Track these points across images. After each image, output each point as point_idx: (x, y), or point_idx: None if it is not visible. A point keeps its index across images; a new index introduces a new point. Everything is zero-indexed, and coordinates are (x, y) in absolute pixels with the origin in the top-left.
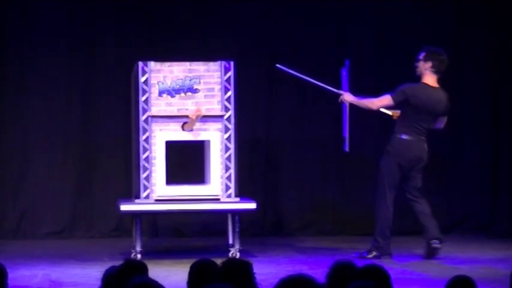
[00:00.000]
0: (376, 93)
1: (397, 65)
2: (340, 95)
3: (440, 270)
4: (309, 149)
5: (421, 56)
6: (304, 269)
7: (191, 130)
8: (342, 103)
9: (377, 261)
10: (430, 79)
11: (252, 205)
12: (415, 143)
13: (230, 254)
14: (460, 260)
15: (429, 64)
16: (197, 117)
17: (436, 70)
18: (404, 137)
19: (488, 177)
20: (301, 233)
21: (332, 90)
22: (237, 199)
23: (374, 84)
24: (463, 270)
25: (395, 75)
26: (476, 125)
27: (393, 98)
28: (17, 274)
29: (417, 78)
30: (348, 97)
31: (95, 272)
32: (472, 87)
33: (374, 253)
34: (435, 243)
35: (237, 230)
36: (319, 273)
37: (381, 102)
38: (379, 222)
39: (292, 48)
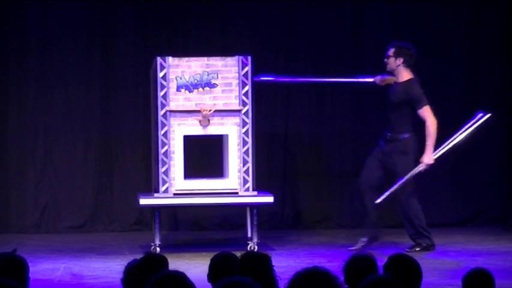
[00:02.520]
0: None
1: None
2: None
3: (458, 262)
4: (326, 143)
5: (391, 52)
6: (323, 262)
7: (207, 125)
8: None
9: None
10: (407, 74)
11: (270, 198)
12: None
13: (249, 247)
14: (477, 252)
15: (401, 60)
16: (205, 116)
17: (407, 65)
18: (412, 134)
19: (504, 170)
20: (319, 226)
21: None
22: (255, 193)
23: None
24: (480, 262)
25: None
26: (492, 118)
27: (427, 102)
28: (38, 268)
29: (388, 74)
30: (428, 159)
31: (115, 266)
32: (488, 80)
33: (423, 245)
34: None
35: (255, 223)
36: (337, 266)
37: (431, 116)
38: (417, 219)
39: (309, 41)
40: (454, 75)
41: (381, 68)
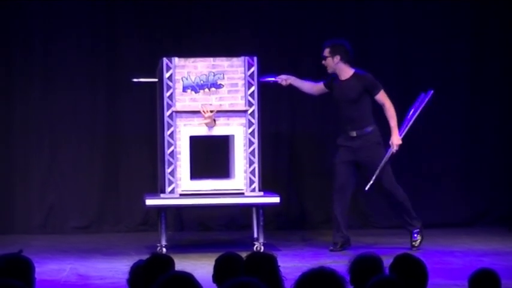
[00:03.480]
0: (397, 87)
1: (418, 58)
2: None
3: (464, 262)
4: (332, 143)
5: (327, 53)
6: (329, 262)
7: (213, 126)
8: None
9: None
10: (349, 69)
11: (276, 199)
12: None
13: (254, 248)
14: (483, 252)
15: (338, 57)
16: (208, 118)
17: (346, 60)
18: (375, 124)
19: (510, 171)
20: (325, 227)
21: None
22: (261, 193)
23: (395, 78)
24: (487, 262)
25: (416, 68)
26: (497, 118)
27: (381, 87)
28: (44, 268)
29: (329, 75)
30: (397, 140)
31: (121, 266)
32: (492, 80)
33: (420, 236)
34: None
35: (261, 223)
36: (343, 266)
37: (388, 99)
38: (406, 201)
39: (314, 41)
40: (458, 75)
41: (385, 69)
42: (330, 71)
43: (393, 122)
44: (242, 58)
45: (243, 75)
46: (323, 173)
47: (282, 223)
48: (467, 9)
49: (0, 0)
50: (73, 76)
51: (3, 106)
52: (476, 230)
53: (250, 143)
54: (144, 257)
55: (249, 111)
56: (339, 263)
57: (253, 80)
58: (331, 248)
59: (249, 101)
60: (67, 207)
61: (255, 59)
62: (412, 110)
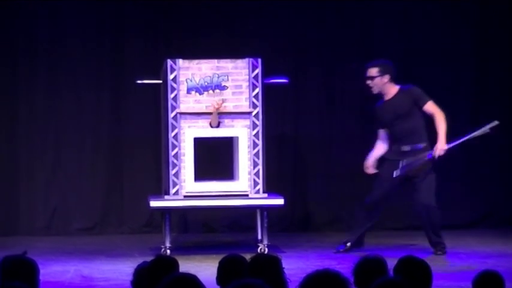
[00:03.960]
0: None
1: (421, 59)
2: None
3: (468, 264)
4: (336, 145)
5: (376, 72)
6: (333, 264)
7: (218, 126)
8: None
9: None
10: (393, 87)
11: (280, 201)
12: None
13: (259, 250)
14: (487, 254)
15: (388, 77)
16: (217, 109)
17: (393, 79)
18: (428, 143)
19: None
20: (329, 228)
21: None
22: (265, 195)
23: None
24: (490, 264)
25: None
26: (501, 119)
27: (429, 97)
28: (49, 270)
29: (375, 97)
30: (442, 145)
31: (125, 268)
32: (497, 81)
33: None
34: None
35: (266, 225)
36: (347, 268)
37: (438, 108)
38: (437, 227)
39: (319, 43)
40: (462, 82)
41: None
42: (376, 91)
43: (442, 130)
44: (246, 60)
45: (247, 77)
46: (327, 174)
47: (286, 225)
48: (471, 11)
49: (6, 2)
50: (77, 77)
51: (8, 107)
52: (480, 231)
53: (255, 145)
54: (148, 258)
55: (253, 113)
56: (343, 264)
57: (257, 81)
58: (346, 246)
59: (253, 102)
60: (71, 208)
61: (259, 60)
62: (471, 133)
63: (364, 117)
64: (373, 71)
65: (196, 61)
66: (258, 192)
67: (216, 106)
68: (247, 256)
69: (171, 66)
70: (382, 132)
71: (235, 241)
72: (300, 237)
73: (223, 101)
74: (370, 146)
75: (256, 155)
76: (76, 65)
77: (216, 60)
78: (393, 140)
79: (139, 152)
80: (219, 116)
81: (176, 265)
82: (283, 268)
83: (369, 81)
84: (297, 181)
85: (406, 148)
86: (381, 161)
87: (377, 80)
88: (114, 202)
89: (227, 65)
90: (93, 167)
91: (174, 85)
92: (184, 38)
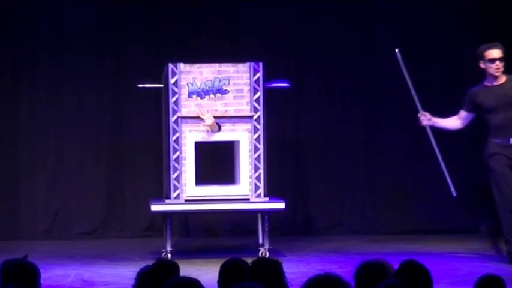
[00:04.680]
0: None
1: (423, 60)
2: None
3: (470, 268)
4: (337, 149)
5: (504, 54)
6: (334, 268)
7: (219, 129)
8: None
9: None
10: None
11: (281, 205)
12: None
13: (260, 253)
14: (489, 258)
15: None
16: (210, 126)
17: None
18: None
19: None
20: (330, 232)
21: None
22: (266, 199)
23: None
24: (492, 268)
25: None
26: None
27: None
28: (50, 274)
29: (464, 95)
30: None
31: (126, 272)
32: None
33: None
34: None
35: (267, 229)
36: (348, 272)
37: None
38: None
39: (320, 47)
40: (462, 82)
41: (391, 69)
42: (498, 73)
43: None
44: (248, 64)
45: (249, 81)
46: (329, 178)
47: (287, 229)
48: (471, 11)
49: (7, 7)
50: (79, 81)
51: (10, 111)
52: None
53: (256, 149)
54: (150, 262)
55: (255, 117)
56: (344, 268)
57: (258, 85)
58: None
59: (254, 106)
60: (72, 212)
61: (261, 64)
62: None
63: (366, 120)
64: (501, 52)
65: (197, 65)
66: (259, 196)
67: (205, 117)
68: (249, 260)
69: (173, 70)
70: (464, 113)
71: (237, 245)
72: (301, 241)
73: (209, 111)
74: (371, 149)
75: (258, 159)
76: (77, 69)
77: (217, 64)
78: (498, 129)
79: (141, 155)
80: (220, 120)
81: (177, 269)
82: (284, 272)
83: (498, 62)
84: (298, 185)
85: None
86: (488, 156)
87: (503, 62)
88: (115, 206)
89: (228, 69)
90: (94, 171)
91: (176, 89)
92: (186, 42)
